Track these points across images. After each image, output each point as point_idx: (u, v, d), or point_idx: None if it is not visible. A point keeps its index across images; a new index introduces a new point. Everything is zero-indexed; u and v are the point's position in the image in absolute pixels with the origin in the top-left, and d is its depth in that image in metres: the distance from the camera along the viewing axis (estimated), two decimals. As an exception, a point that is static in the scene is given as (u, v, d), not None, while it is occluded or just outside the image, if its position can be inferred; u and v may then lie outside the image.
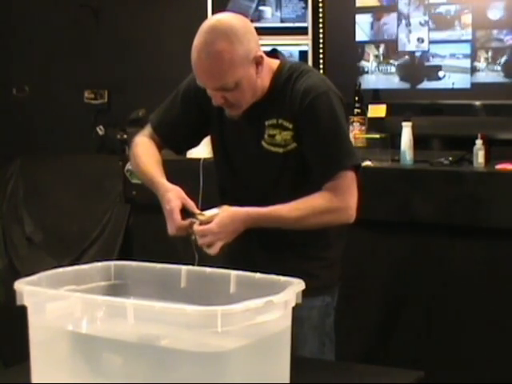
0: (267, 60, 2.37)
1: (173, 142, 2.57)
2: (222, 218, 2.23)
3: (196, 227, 2.21)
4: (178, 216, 2.23)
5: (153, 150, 2.53)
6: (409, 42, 4.03)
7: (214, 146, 2.54)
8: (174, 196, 2.27)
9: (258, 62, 2.27)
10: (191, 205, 2.26)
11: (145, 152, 2.52)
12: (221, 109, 2.38)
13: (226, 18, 2.28)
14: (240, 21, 2.27)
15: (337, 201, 2.31)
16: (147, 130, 2.60)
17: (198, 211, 2.24)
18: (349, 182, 2.33)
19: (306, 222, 2.31)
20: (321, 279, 2.42)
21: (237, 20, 2.26)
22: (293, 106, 2.33)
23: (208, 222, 2.22)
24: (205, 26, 2.23)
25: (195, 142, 2.62)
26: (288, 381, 1.78)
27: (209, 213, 2.23)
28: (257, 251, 2.42)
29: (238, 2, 4.22)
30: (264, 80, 2.34)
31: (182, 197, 2.28)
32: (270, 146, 2.37)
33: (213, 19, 2.27)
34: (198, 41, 2.22)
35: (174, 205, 2.24)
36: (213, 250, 2.22)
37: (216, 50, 2.18)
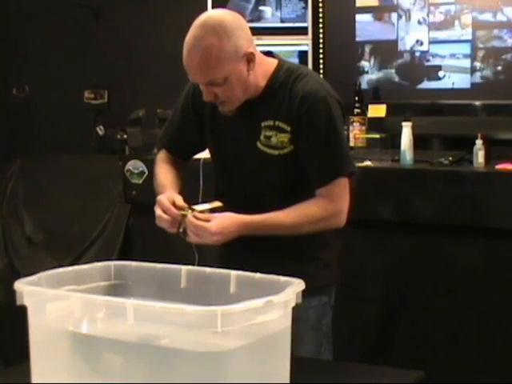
0: (263, 59, 2.37)
1: (178, 150, 2.58)
2: (221, 220, 2.23)
3: (193, 221, 2.20)
4: (165, 204, 2.24)
5: (167, 165, 2.53)
6: (409, 42, 4.03)
7: (208, 145, 2.54)
8: (162, 197, 2.29)
9: (249, 58, 2.27)
10: (179, 198, 2.27)
11: (160, 170, 2.52)
12: (214, 107, 2.39)
13: (217, 13, 2.30)
14: (231, 17, 2.27)
15: (331, 208, 2.34)
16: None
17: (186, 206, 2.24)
18: (343, 188, 2.36)
19: (300, 229, 2.33)
20: (317, 279, 2.41)
21: (228, 16, 2.27)
22: (291, 110, 2.33)
23: (199, 217, 2.22)
24: (196, 21, 2.25)
25: (199, 148, 2.62)
26: (288, 381, 1.78)
27: (199, 207, 2.23)
28: (252, 252, 2.41)
29: (236, 2, 4.23)
30: (258, 77, 2.33)
31: (171, 196, 2.29)
32: (266, 147, 2.37)
33: (204, 15, 2.28)
34: (188, 36, 2.24)
35: (161, 200, 2.27)
36: (196, 240, 2.23)
37: (204, 45, 2.20)
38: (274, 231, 2.32)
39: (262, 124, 2.37)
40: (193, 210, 2.21)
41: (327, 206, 2.33)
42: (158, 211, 2.25)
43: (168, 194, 2.31)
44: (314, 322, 2.45)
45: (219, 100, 2.31)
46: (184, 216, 2.21)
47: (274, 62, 2.40)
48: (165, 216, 2.24)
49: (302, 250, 2.44)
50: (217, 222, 2.22)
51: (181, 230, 2.23)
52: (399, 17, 4.04)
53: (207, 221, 2.23)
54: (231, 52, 2.22)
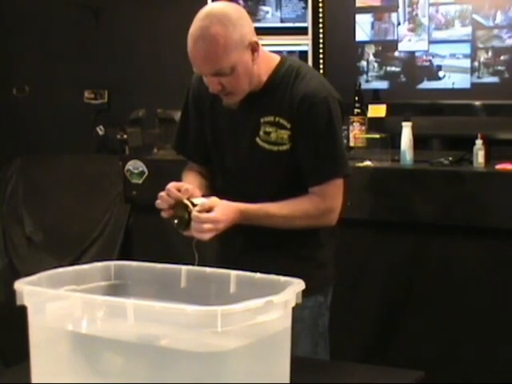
0: (266, 53, 2.39)
1: (197, 155, 2.55)
2: (223, 207, 2.23)
3: (199, 215, 2.19)
4: (170, 185, 2.23)
5: (190, 177, 2.49)
6: (409, 42, 4.03)
7: (208, 141, 2.52)
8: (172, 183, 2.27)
9: (254, 48, 2.28)
10: (187, 189, 2.23)
11: (185, 178, 2.48)
12: (213, 102, 2.39)
13: (219, 5, 2.31)
14: (234, 7, 2.30)
15: (323, 206, 2.36)
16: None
17: (185, 197, 2.22)
18: (337, 187, 2.39)
19: (291, 222, 2.35)
20: (312, 279, 2.37)
21: (230, 6, 2.29)
22: (291, 108, 2.34)
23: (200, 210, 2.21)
24: (199, 13, 2.26)
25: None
26: (288, 381, 1.78)
27: (197, 201, 2.22)
28: (248, 252, 2.42)
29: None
30: (260, 70, 2.34)
31: (182, 184, 2.26)
32: (265, 143, 2.38)
33: (207, 7, 2.29)
34: (193, 28, 2.24)
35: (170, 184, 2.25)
36: (206, 237, 2.20)
37: (211, 34, 2.20)
38: (266, 221, 2.33)
39: (262, 119, 2.37)
40: (192, 202, 2.21)
41: (320, 204, 2.35)
42: (161, 192, 2.24)
43: (180, 183, 2.28)
44: (309, 322, 2.45)
45: (225, 91, 2.30)
46: (179, 205, 2.20)
47: (276, 58, 2.41)
48: (164, 196, 2.23)
49: (297, 249, 2.44)
50: (219, 209, 2.22)
51: (175, 221, 2.22)
52: (399, 17, 4.04)
53: (208, 211, 2.21)
54: (237, 41, 2.22)
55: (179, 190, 2.22)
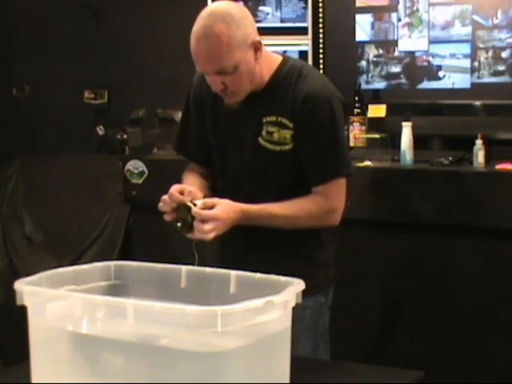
0: (268, 53, 2.39)
1: (198, 156, 2.55)
2: (224, 206, 2.23)
3: (200, 212, 2.19)
4: (172, 188, 2.22)
5: (191, 179, 2.48)
6: (409, 42, 4.03)
7: (210, 141, 2.53)
8: (175, 185, 2.27)
9: (256, 47, 2.29)
10: (189, 191, 2.23)
11: (186, 180, 2.48)
12: (214, 102, 2.39)
13: (222, 4, 2.32)
14: (237, 7, 2.31)
15: (326, 206, 2.36)
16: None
17: (188, 199, 2.22)
18: (340, 187, 2.39)
19: (294, 223, 2.34)
20: (313, 279, 2.38)
21: (234, 6, 2.30)
22: (294, 108, 2.34)
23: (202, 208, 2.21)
24: (203, 12, 2.27)
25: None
26: (288, 381, 1.78)
27: (199, 202, 2.22)
28: (249, 252, 2.42)
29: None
30: (263, 70, 2.34)
31: (185, 187, 2.26)
32: (267, 143, 2.38)
33: (210, 6, 2.30)
34: (196, 26, 2.24)
35: (172, 187, 2.25)
36: (208, 237, 2.20)
37: (214, 32, 2.20)
38: (268, 222, 2.32)
39: (264, 119, 2.37)
40: (194, 204, 2.21)
41: (323, 204, 2.35)
42: (164, 196, 2.24)
43: (183, 185, 2.29)
44: (310, 322, 2.45)
45: (228, 90, 2.30)
46: (182, 207, 2.20)
47: (278, 58, 2.42)
48: (167, 199, 2.23)
49: (298, 249, 2.44)
50: (221, 207, 2.22)
51: (179, 224, 2.22)
52: (399, 17, 4.04)
53: (210, 209, 2.21)
54: (240, 40, 2.23)
55: (182, 193, 2.22)
